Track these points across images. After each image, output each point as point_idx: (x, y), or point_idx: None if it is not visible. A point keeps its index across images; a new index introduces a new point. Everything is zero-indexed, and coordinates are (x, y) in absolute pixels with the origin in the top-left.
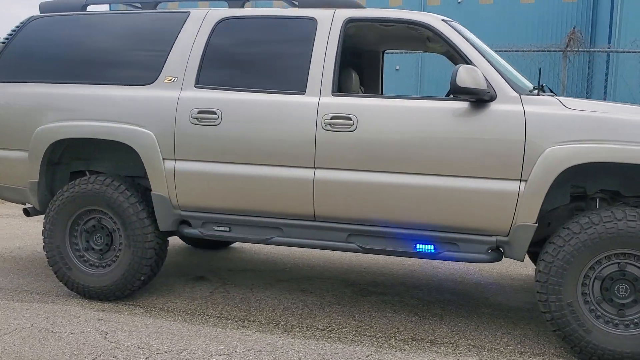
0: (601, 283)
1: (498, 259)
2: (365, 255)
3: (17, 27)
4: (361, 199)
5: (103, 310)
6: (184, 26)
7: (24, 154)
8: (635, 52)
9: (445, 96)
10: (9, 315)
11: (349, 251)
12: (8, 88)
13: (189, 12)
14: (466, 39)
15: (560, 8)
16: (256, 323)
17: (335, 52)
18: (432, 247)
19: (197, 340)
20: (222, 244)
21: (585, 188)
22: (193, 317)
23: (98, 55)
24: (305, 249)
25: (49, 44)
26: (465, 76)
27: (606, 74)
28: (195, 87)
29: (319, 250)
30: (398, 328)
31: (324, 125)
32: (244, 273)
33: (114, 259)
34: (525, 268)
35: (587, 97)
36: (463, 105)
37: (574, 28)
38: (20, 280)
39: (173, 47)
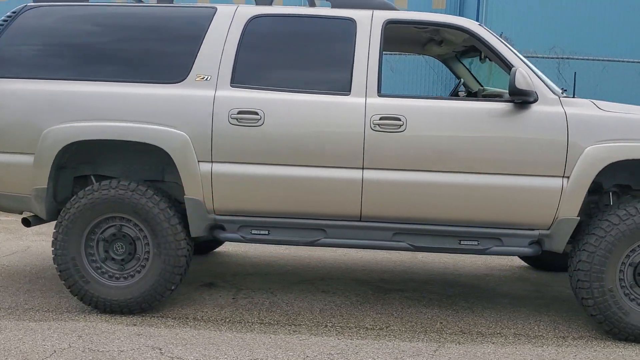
0: (634, 269)
1: (538, 252)
2: (359, 253)
3: (9, 16)
4: (409, 198)
5: (134, 325)
6: (212, 22)
7: (28, 157)
8: None
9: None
10: (35, 336)
11: (398, 249)
12: (4, 85)
13: (216, 8)
14: (503, 43)
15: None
16: (304, 326)
17: (378, 53)
18: (476, 242)
19: (261, 348)
20: (209, 249)
21: (602, 183)
22: (235, 325)
23: (114, 51)
24: (282, 248)
25: (53, 36)
26: (521, 79)
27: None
28: (231, 86)
29: (307, 252)
30: (442, 322)
31: (372, 125)
32: (251, 277)
33: (139, 268)
34: (505, 259)
35: None
36: (507, 106)
37: None
38: (14, 298)
39: (202, 44)
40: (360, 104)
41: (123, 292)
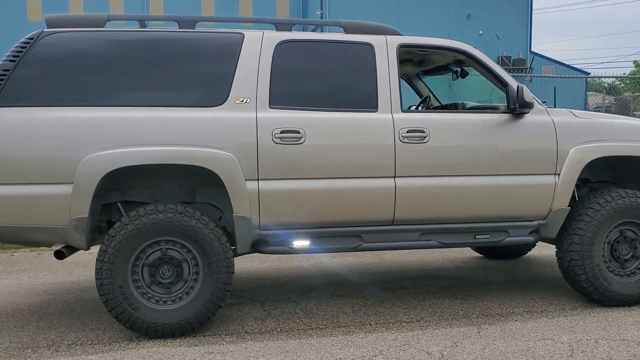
0: (611, 246)
1: (537, 240)
2: (348, 256)
3: (26, 43)
4: (434, 201)
5: (196, 345)
6: (242, 47)
7: (64, 187)
8: None
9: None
10: None
11: (429, 247)
12: (34, 113)
13: (243, 34)
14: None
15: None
16: (352, 327)
17: (397, 73)
18: (488, 235)
19: (335, 349)
20: None
21: (590, 178)
22: (289, 333)
23: (147, 76)
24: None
25: (80, 62)
26: (528, 93)
27: None
28: (270, 107)
29: (294, 260)
30: (464, 310)
31: (401, 138)
32: (268, 290)
33: (187, 290)
34: (460, 253)
35: None
36: (509, 116)
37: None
38: (49, 334)
39: (237, 68)
40: (388, 119)
41: (175, 314)
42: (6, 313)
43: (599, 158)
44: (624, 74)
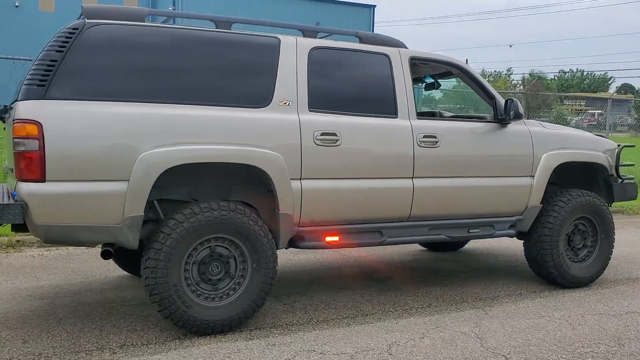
0: (568, 238)
1: (515, 233)
2: (330, 252)
3: (71, 33)
4: (442, 199)
5: (251, 339)
6: (280, 51)
7: (119, 184)
8: None
9: None
10: None
11: (440, 241)
12: (87, 107)
13: (279, 38)
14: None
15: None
16: (379, 314)
17: (410, 83)
18: (479, 230)
19: (382, 334)
20: None
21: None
22: (326, 323)
23: (197, 74)
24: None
25: (131, 57)
26: (519, 106)
27: None
28: (309, 110)
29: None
30: (459, 295)
31: (419, 142)
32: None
33: (234, 286)
34: (408, 248)
35: None
36: (497, 125)
37: None
38: (90, 337)
39: (278, 71)
40: (407, 125)
41: (225, 310)
42: (15, 319)
43: (563, 163)
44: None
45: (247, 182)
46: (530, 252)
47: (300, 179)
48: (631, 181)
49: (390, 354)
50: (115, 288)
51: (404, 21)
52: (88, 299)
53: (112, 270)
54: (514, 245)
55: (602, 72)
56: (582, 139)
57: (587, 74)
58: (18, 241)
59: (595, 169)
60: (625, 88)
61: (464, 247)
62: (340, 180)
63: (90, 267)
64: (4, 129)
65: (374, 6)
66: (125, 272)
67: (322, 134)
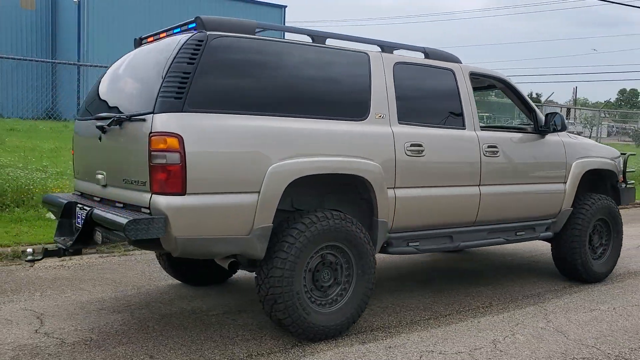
0: (589, 236)
1: (552, 235)
2: None
3: (198, 45)
4: (501, 204)
5: (364, 343)
6: (370, 66)
7: (250, 196)
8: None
9: None
10: None
11: (497, 244)
12: (221, 120)
13: (367, 53)
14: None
15: (19, 16)
16: (456, 315)
17: (473, 97)
18: (524, 232)
19: (486, 332)
20: (221, 278)
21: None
22: (423, 323)
23: (306, 87)
24: None
25: (248, 68)
26: (564, 119)
27: (78, 85)
28: (399, 123)
29: None
30: (497, 295)
31: (484, 152)
32: None
33: (341, 292)
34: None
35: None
36: (537, 136)
37: None
38: (212, 348)
39: (371, 84)
40: (474, 136)
41: (336, 316)
42: (114, 334)
43: (589, 170)
44: None
45: (336, 192)
46: (559, 252)
47: (394, 187)
48: (632, 186)
49: (500, 350)
50: (180, 298)
51: (316, 22)
52: (164, 310)
53: (152, 279)
54: (510, 245)
55: None
56: (598, 148)
57: None
58: (23, 252)
59: (606, 174)
60: None
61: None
62: (424, 189)
63: (125, 276)
64: (99, 139)
65: (285, 6)
66: (171, 281)
67: (411, 145)
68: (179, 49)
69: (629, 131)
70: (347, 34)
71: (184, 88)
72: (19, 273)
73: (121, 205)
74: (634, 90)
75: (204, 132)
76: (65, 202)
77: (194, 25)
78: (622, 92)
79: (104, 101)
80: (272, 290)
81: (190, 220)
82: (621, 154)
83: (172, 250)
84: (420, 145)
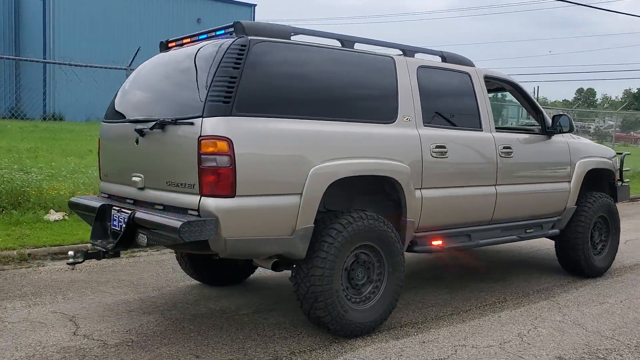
0: (591, 232)
1: (558, 232)
2: None
3: (241, 50)
4: (515, 203)
5: (399, 338)
6: (397, 70)
7: (293, 198)
8: (72, 64)
9: None
10: None
11: (510, 242)
12: (269, 124)
13: (392, 57)
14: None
15: None
16: (478, 310)
17: (488, 99)
18: (532, 230)
19: (522, 322)
20: (239, 278)
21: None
22: (445, 319)
23: (338, 90)
24: None
25: (287, 72)
26: (572, 120)
27: (44, 83)
28: (424, 125)
29: None
30: (509, 290)
31: (500, 153)
32: None
33: (373, 290)
34: None
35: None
36: (544, 137)
37: None
38: (254, 347)
39: (398, 88)
40: (491, 137)
41: (370, 313)
42: (151, 335)
43: (592, 169)
44: None
45: (364, 193)
46: (563, 248)
47: (421, 188)
48: (627, 184)
49: (528, 343)
50: (205, 298)
51: (286, 21)
52: (192, 310)
53: (169, 280)
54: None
55: None
56: (598, 148)
57: None
58: (30, 254)
59: (605, 173)
60: None
61: None
62: (447, 189)
63: (141, 278)
64: (136, 141)
65: (254, 5)
66: (189, 281)
67: (436, 147)
68: (224, 54)
69: (588, 129)
70: (372, 37)
71: (232, 92)
72: (33, 276)
73: (161, 207)
74: (590, 90)
75: (251, 135)
76: (100, 204)
77: (222, 32)
78: (580, 91)
79: (138, 104)
80: (313, 288)
81: (238, 222)
82: (617, 153)
83: (221, 251)
84: (444, 147)
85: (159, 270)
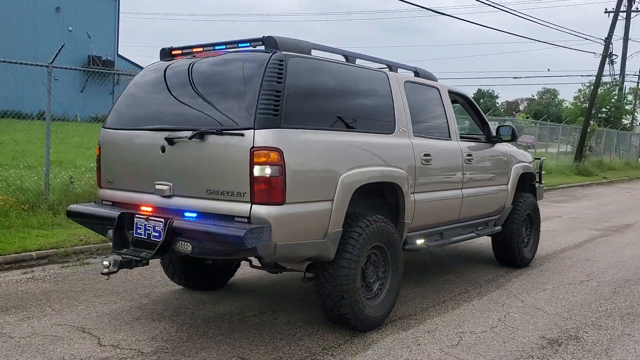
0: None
1: (500, 229)
2: None
3: (280, 65)
4: (473, 204)
5: (405, 330)
6: (390, 84)
7: (327, 204)
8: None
9: None
10: None
11: (472, 238)
12: (305, 135)
13: (386, 73)
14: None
15: None
16: (450, 301)
17: (453, 112)
18: (482, 227)
19: (507, 306)
20: (221, 282)
21: None
22: (452, 301)
23: (355, 104)
24: None
25: (316, 86)
26: (515, 130)
27: None
28: (414, 135)
29: None
30: (476, 279)
31: (465, 160)
32: None
33: (380, 287)
34: None
35: None
36: (490, 145)
37: None
38: (286, 346)
39: (394, 101)
40: (458, 146)
41: (380, 308)
42: (178, 340)
43: (523, 173)
44: None
45: (366, 196)
46: (499, 244)
47: (414, 192)
48: (542, 185)
49: (512, 327)
50: (202, 303)
51: (154, 15)
52: (199, 314)
53: (152, 286)
54: None
55: None
56: (523, 154)
57: None
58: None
59: (528, 176)
60: None
61: None
62: (431, 193)
63: (122, 287)
64: (161, 150)
65: None
66: (173, 287)
67: (424, 155)
68: (265, 68)
69: None
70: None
71: (279, 105)
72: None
73: (194, 214)
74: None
75: (297, 146)
76: (119, 213)
77: (246, 44)
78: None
79: (157, 114)
80: (340, 287)
81: (286, 228)
82: (535, 158)
83: (269, 255)
84: (429, 155)
85: (127, 277)
